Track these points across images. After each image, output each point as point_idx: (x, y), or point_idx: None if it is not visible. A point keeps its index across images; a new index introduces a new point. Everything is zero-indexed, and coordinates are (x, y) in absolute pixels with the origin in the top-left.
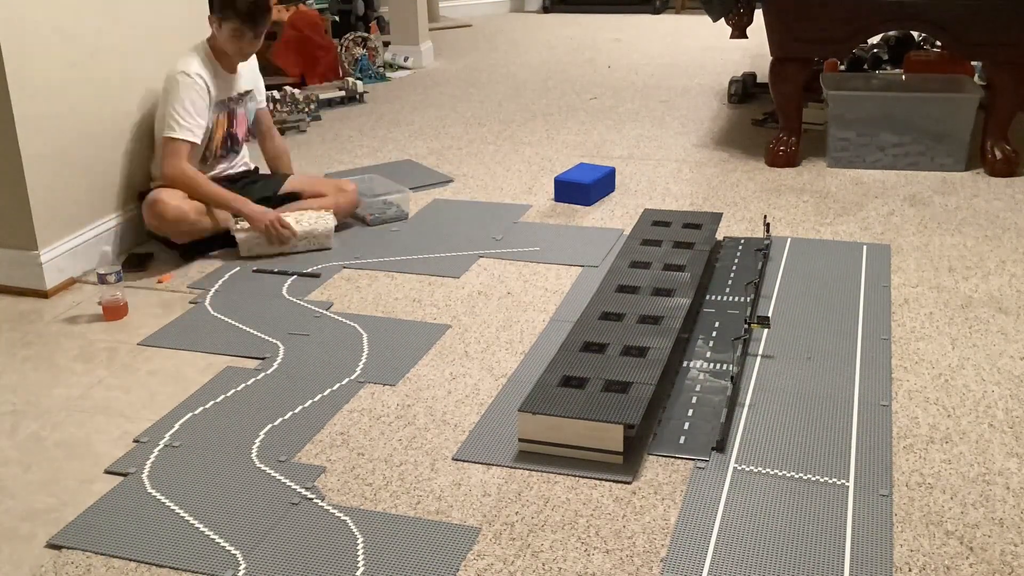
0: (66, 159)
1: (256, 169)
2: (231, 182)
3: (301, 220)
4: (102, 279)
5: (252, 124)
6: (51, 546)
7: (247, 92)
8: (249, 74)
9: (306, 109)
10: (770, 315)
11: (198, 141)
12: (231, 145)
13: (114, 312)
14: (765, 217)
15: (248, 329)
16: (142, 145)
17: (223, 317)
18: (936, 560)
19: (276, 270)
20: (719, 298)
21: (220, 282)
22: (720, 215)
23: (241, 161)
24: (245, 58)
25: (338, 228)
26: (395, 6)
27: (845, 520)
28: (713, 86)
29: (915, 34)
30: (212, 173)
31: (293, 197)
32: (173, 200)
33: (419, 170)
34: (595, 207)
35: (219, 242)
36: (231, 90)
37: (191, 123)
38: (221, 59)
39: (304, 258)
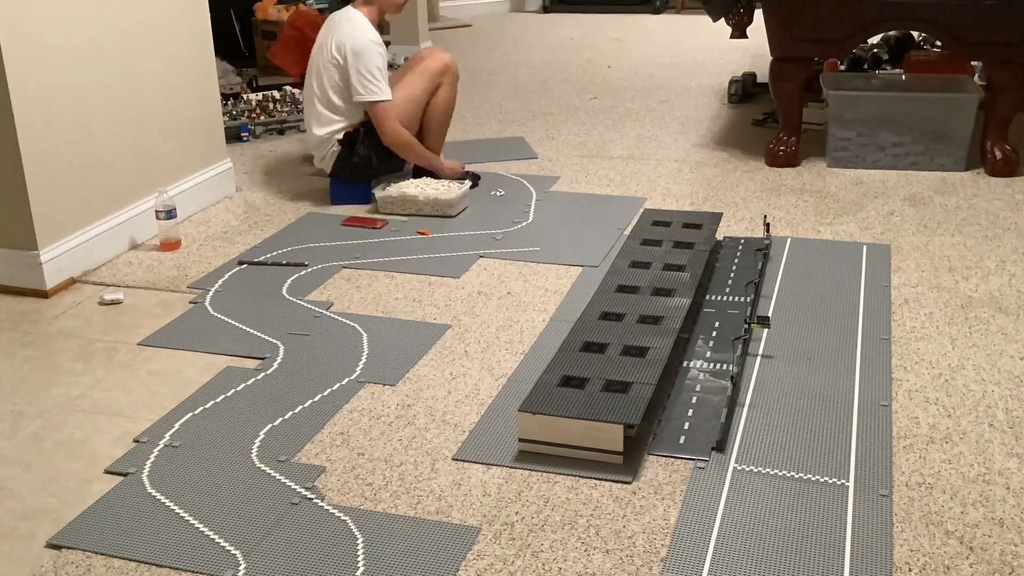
0: (66, 159)
1: None
2: None
3: (427, 187)
4: (158, 215)
5: None
6: (51, 546)
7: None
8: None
9: None
10: (770, 315)
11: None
12: None
13: (169, 245)
14: (765, 217)
15: (248, 329)
16: (142, 144)
17: (223, 317)
18: (936, 560)
19: (260, 260)
20: (719, 298)
21: (220, 282)
22: (720, 215)
23: None
24: (400, 9)
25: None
26: None
27: (845, 520)
28: (713, 86)
29: (915, 34)
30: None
31: None
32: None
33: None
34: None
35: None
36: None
37: (386, 84)
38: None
39: (297, 252)
